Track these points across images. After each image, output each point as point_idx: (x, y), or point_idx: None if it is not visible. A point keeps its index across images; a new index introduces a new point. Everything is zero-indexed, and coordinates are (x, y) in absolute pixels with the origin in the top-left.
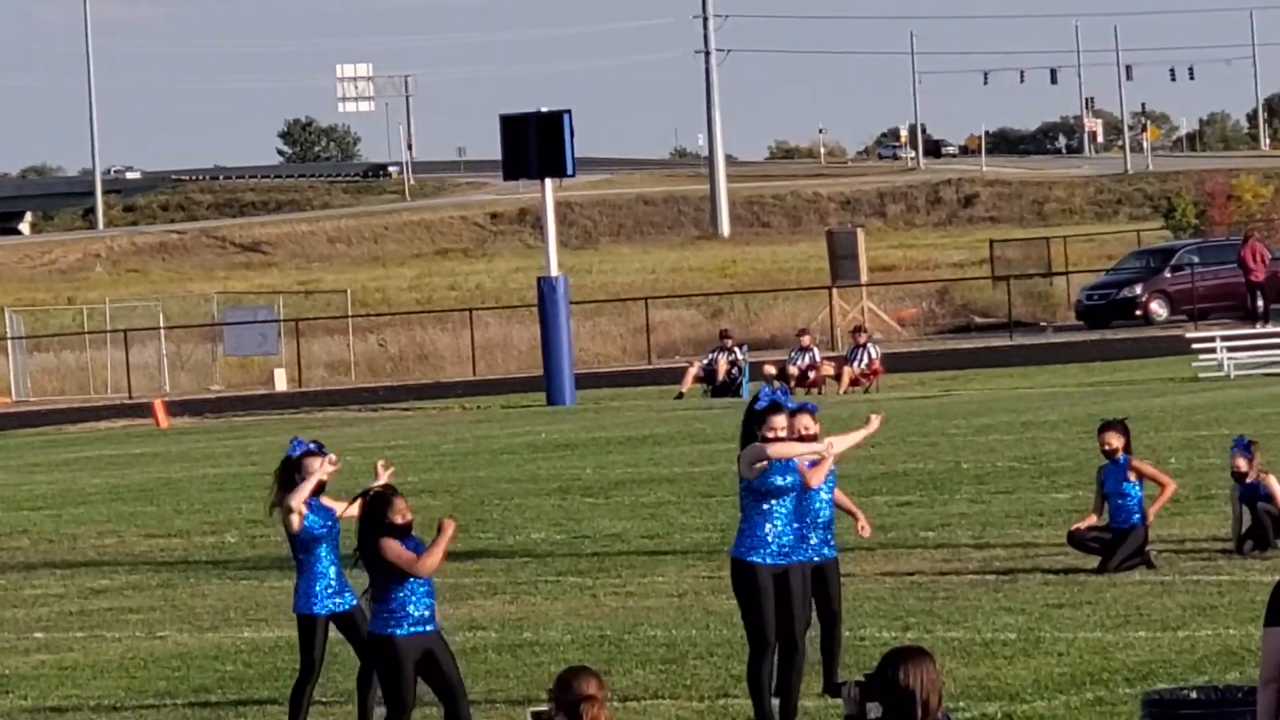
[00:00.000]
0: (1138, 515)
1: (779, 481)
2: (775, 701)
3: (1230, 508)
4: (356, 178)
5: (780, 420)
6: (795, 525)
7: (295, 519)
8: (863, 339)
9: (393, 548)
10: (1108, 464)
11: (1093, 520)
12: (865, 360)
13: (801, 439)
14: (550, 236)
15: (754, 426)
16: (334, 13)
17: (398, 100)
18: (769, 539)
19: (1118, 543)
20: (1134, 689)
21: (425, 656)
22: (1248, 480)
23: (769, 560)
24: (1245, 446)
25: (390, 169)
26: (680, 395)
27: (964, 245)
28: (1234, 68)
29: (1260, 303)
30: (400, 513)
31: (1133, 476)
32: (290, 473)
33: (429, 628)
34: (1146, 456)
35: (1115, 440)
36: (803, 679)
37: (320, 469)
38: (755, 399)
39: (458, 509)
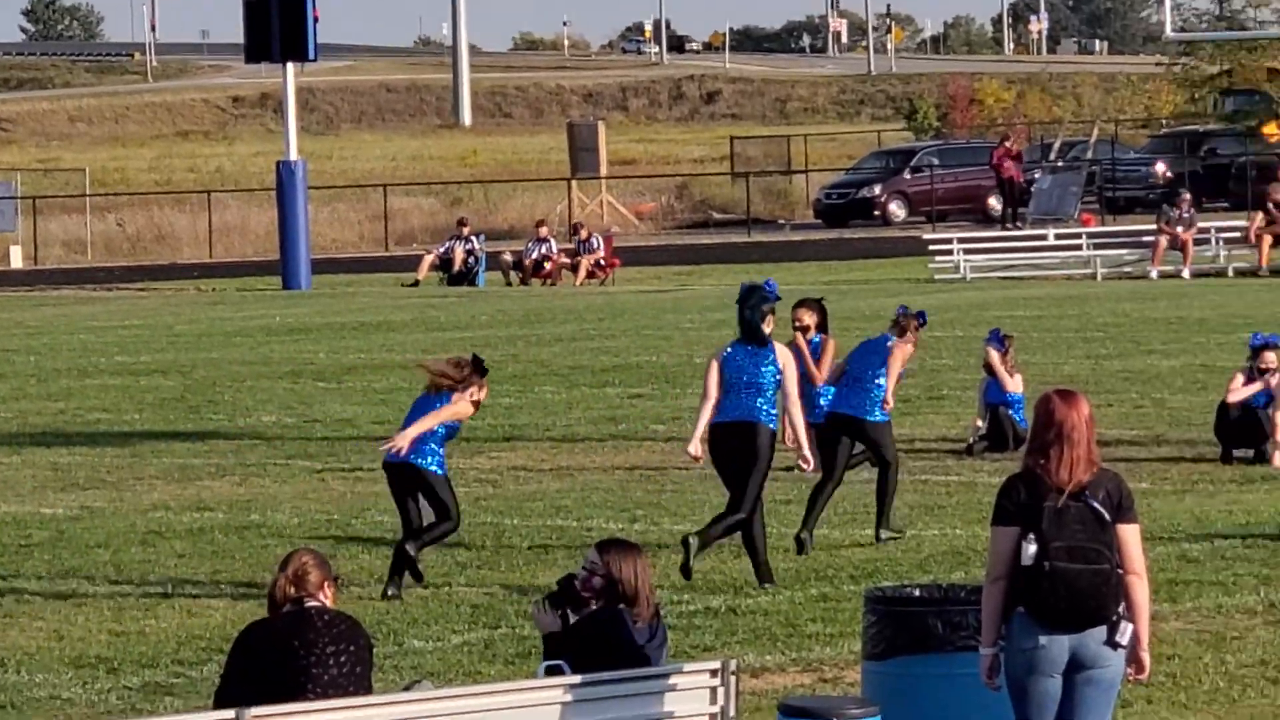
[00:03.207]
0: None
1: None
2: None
3: (978, 401)
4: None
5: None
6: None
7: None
8: (585, 234)
9: None
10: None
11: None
12: (590, 250)
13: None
14: (290, 121)
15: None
16: None
17: None
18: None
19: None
20: (858, 586)
21: None
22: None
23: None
24: (1000, 340)
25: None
26: (416, 283)
27: (705, 141)
28: None
29: (1010, 206)
30: None
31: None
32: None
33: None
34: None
35: (807, 318)
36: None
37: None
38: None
39: (190, 390)
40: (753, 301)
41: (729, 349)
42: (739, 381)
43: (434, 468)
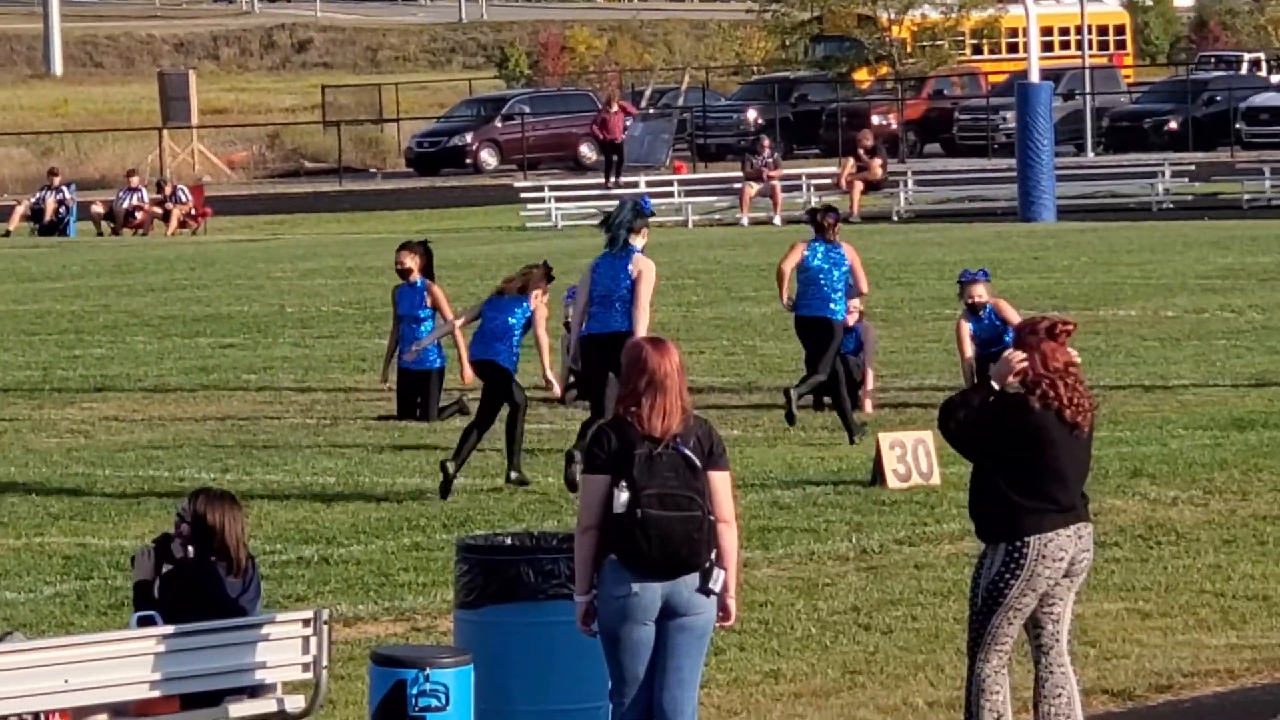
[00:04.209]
0: (436, 357)
1: None
2: None
3: (561, 357)
4: None
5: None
6: None
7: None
8: (169, 189)
9: None
10: (403, 286)
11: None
12: (179, 201)
13: None
14: None
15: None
16: None
17: None
18: None
19: (424, 389)
20: (451, 535)
21: None
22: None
23: None
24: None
25: None
26: (7, 233)
27: (297, 90)
28: None
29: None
30: None
31: (429, 302)
32: None
33: None
34: (469, 305)
35: (409, 260)
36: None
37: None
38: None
39: None
40: (625, 214)
41: (598, 260)
42: (600, 292)
43: (509, 365)
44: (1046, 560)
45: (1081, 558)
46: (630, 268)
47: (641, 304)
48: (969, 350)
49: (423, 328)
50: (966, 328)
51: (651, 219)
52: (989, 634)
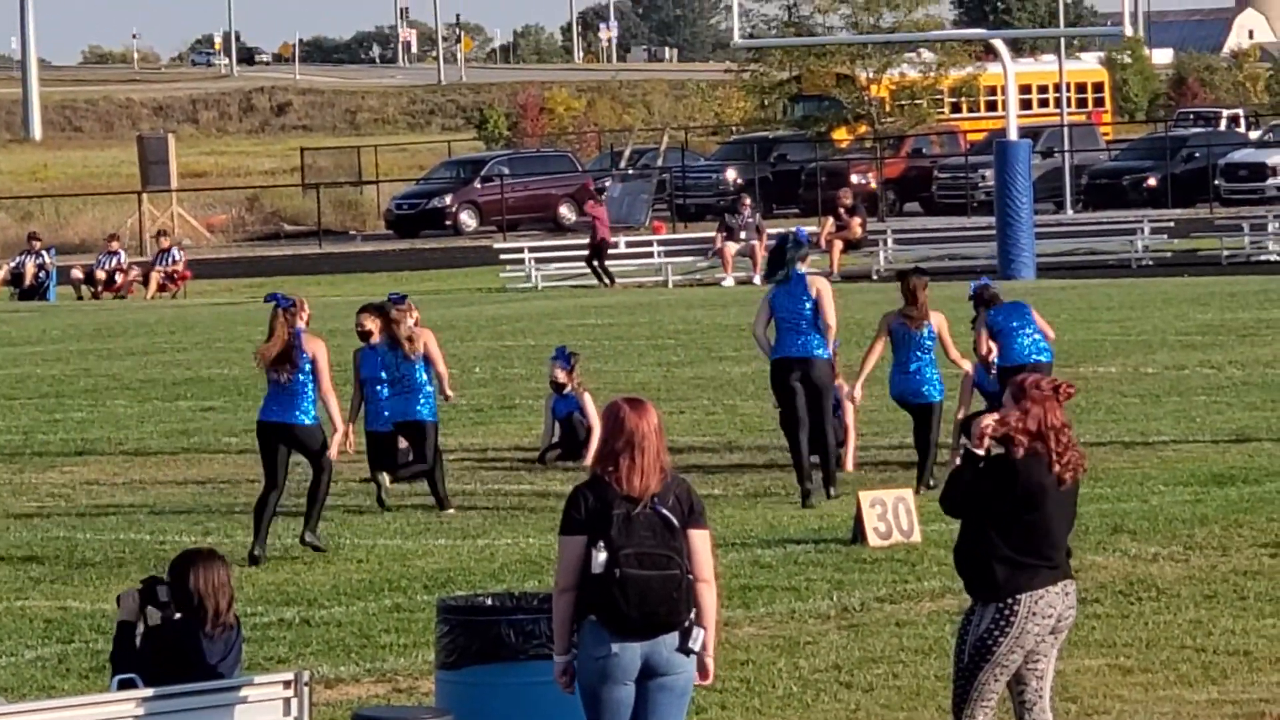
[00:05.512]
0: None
1: None
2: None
3: (544, 417)
4: None
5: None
6: None
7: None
8: (166, 243)
9: None
10: (364, 348)
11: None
12: (170, 262)
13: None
14: None
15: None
16: None
17: None
18: None
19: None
20: (432, 596)
21: None
22: (565, 392)
23: None
24: (566, 358)
25: None
26: None
27: (276, 153)
28: None
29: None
30: None
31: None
32: None
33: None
34: (453, 366)
35: (369, 323)
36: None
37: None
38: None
39: None
40: (789, 248)
41: (773, 292)
42: (783, 320)
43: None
44: (1036, 618)
45: (1067, 614)
46: (809, 289)
47: (829, 317)
48: (965, 406)
49: (384, 390)
50: (970, 379)
51: (635, 280)
52: (975, 690)
